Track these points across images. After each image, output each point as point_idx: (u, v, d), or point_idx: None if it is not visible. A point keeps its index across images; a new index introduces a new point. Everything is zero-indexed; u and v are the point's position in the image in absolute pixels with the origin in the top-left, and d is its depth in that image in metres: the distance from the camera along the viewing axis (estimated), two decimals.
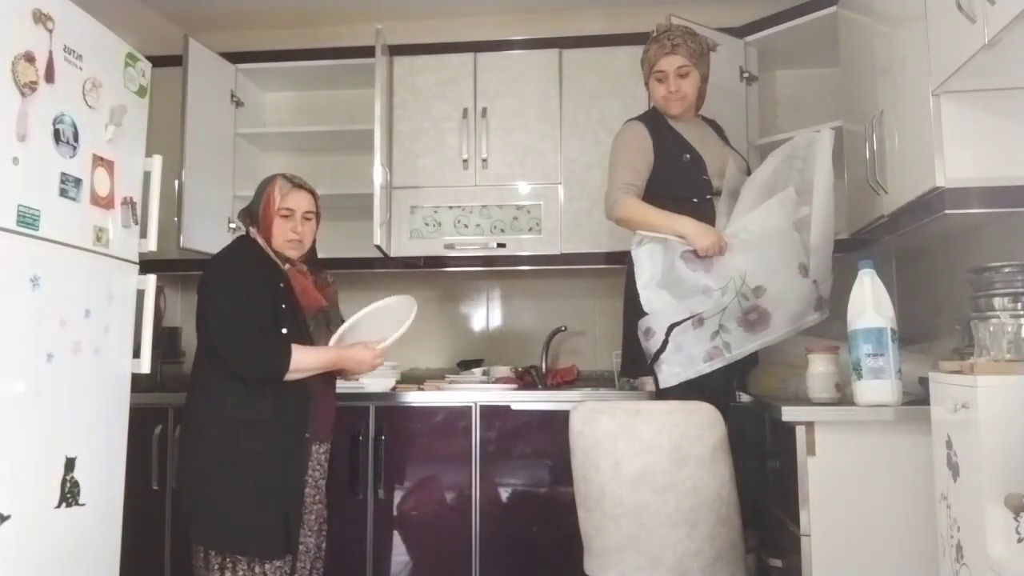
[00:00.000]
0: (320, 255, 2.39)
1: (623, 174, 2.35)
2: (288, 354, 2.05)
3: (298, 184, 2.23)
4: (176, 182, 2.85)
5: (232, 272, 2.13)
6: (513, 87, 3.13)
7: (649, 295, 2.25)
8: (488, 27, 3.38)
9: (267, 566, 2.06)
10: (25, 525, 1.81)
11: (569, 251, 3.05)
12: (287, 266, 2.21)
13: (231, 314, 2.07)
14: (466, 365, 3.26)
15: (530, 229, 3.10)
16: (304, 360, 2.08)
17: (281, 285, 2.15)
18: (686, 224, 2.22)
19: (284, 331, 2.10)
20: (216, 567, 2.06)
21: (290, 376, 2.06)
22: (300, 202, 2.21)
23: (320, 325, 2.27)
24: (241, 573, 2.06)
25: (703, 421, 1.94)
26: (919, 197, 1.94)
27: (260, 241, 2.20)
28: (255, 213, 2.22)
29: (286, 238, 2.19)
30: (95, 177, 2.08)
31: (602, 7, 3.35)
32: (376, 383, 2.77)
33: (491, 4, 3.38)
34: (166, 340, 3.09)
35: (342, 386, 2.51)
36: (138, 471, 2.56)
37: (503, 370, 3.12)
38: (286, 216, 2.18)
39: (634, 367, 2.39)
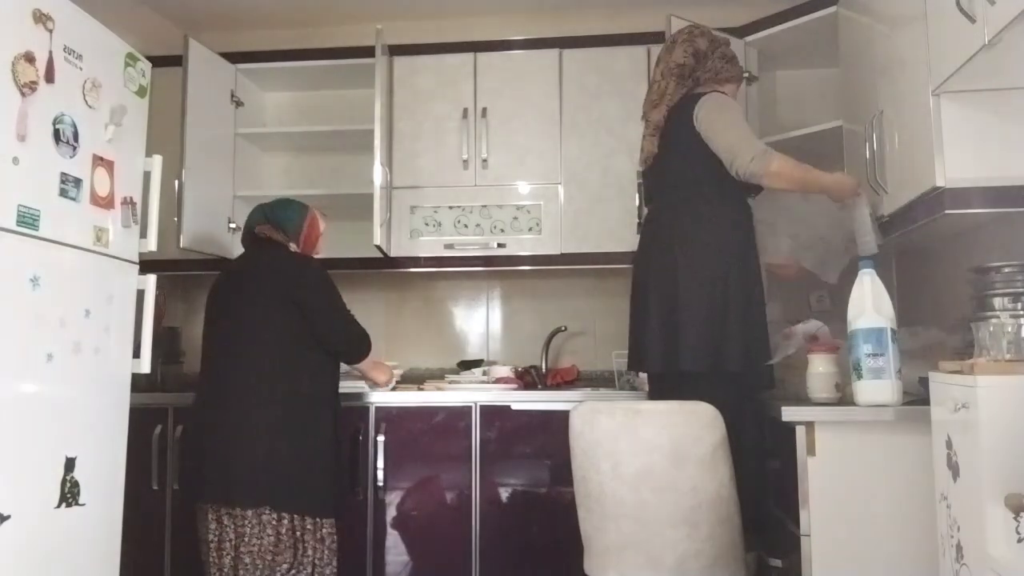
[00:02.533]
0: (320, 255, 2.61)
1: (751, 133, 2.26)
2: (370, 341, 2.53)
3: (322, 214, 2.62)
4: (176, 182, 2.85)
5: (322, 272, 2.45)
6: (513, 87, 3.13)
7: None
8: (488, 27, 3.38)
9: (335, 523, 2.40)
10: (25, 525, 1.81)
11: (569, 251, 3.05)
12: None
13: (341, 306, 2.46)
14: (466, 365, 3.26)
15: (530, 229, 3.10)
16: None
17: None
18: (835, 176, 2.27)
19: None
20: (311, 528, 2.30)
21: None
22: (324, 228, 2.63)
23: None
24: (325, 530, 2.34)
25: (703, 421, 1.94)
26: (919, 197, 1.94)
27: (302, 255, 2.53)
28: (296, 233, 2.50)
29: (317, 255, 2.60)
30: (95, 177, 2.08)
31: (602, 7, 3.35)
32: None
33: (491, 4, 3.38)
34: (166, 340, 3.09)
35: (343, 386, 2.57)
36: (138, 471, 2.56)
37: (503, 370, 3.12)
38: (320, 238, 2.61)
39: (642, 360, 2.34)
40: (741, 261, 2.23)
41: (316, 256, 2.56)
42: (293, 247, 2.50)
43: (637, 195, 2.96)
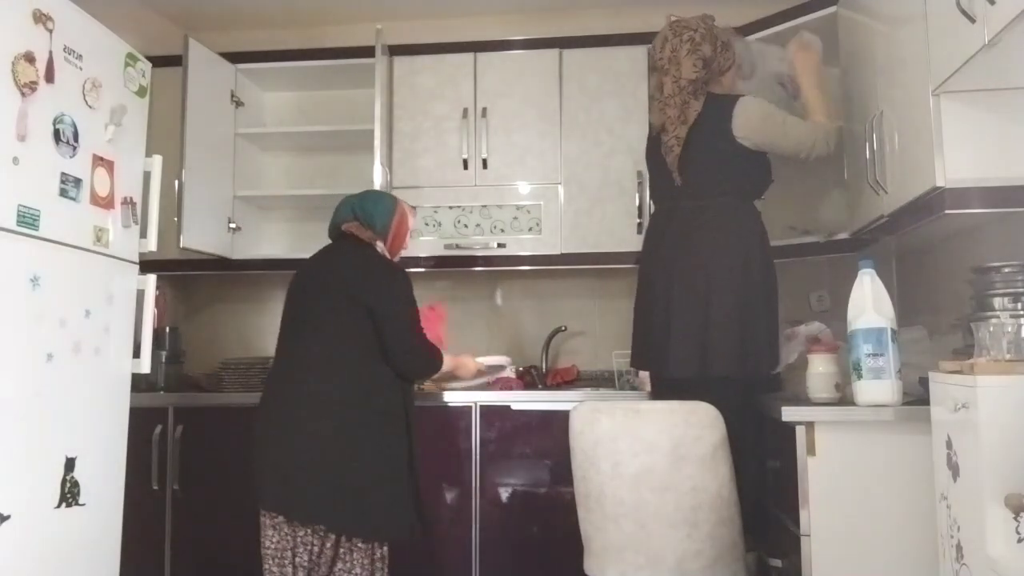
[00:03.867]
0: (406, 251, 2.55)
1: (796, 120, 2.38)
2: (441, 359, 2.38)
3: (411, 207, 2.49)
4: (176, 182, 2.86)
5: (404, 282, 2.29)
6: (513, 87, 3.13)
7: None
8: (488, 27, 3.38)
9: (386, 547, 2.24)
10: (25, 525, 1.81)
11: (569, 251, 3.05)
12: None
13: (412, 319, 2.28)
14: None
15: (530, 229, 3.10)
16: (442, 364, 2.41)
17: None
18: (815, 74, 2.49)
19: None
20: (362, 547, 2.16)
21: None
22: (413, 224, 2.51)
23: None
24: (380, 555, 2.20)
25: (703, 421, 1.94)
26: (919, 197, 1.94)
27: (387, 256, 2.37)
28: (385, 231, 2.35)
29: (403, 253, 2.45)
30: (95, 177, 2.08)
31: (602, 7, 3.35)
32: None
33: (491, 4, 3.38)
34: (166, 340, 3.09)
35: None
36: (138, 471, 2.56)
37: (503, 370, 3.12)
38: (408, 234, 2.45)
39: (647, 359, 2.36)
40: (763, 263, 2.27)
41: (404, 251, 2.44)
42: (380, 246, 2.35)
43: (637, 195, 2.96)
